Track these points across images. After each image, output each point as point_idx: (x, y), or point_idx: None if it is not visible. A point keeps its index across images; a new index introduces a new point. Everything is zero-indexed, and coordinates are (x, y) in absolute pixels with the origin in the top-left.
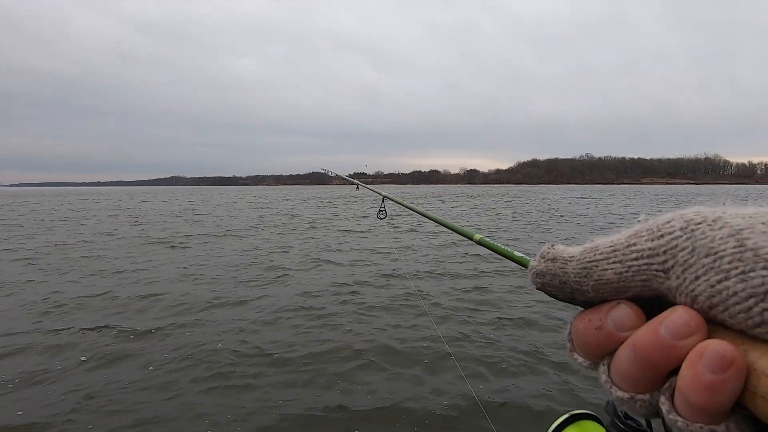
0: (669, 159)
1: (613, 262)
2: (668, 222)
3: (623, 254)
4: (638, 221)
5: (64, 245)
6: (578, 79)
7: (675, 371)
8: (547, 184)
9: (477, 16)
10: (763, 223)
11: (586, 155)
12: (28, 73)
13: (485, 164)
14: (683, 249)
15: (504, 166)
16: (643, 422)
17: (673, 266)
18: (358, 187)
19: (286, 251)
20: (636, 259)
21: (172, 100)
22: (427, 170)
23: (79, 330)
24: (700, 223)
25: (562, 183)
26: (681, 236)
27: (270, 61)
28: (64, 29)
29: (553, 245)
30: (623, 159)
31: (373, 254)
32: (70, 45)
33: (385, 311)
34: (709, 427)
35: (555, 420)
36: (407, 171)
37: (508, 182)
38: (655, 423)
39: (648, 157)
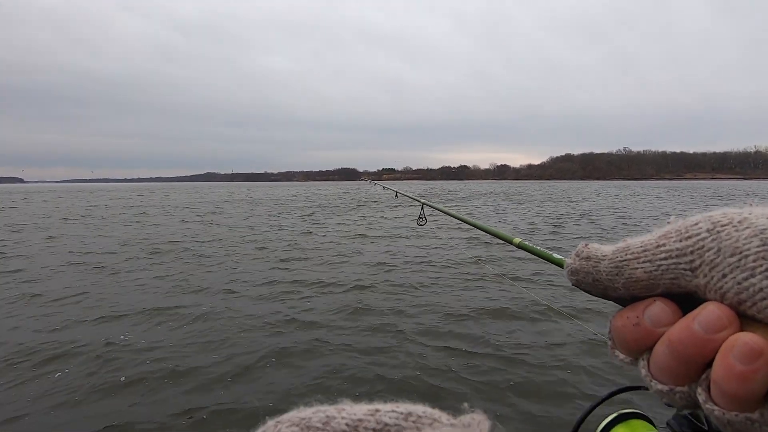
0: (714, 153)
1: (644, 262)
2: (696, 224)
3: (653, 254)
4: (668, 222)
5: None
6: (616, 70)
7: (710, 364)
8: (582, 179)
9: (508, 6)
10: None
11: (624, 149)
12: (75, 73)
13: (516, 159)
14: (710, 249)
15: (536, 161)
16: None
17: (700, 265)
18: (396, 195)
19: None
20: (665, 258)
21: (207, 96)
22: (456, 166)
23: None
24: (725, 225)
25: (597, 179)
26: (707, 237)
27: (300, 56)
28: (107, 30)
29: (587, 244)
30: (664, 153)
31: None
32: (114, 45)
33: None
34: (744, 415)
35: (603, 419)
36: (436, 166)
37: (540, 178)
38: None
39: (691, 151)
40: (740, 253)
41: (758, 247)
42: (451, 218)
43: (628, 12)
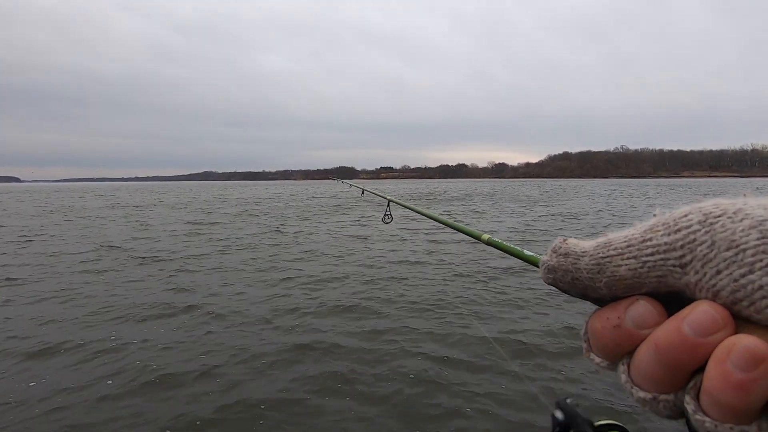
0: (711, 151)
1: (628, 258)
2: (685, 216)
3: (638, 249)
4: (654, 215)
5: None
6: (614, 69)
7: (700, 369)
8: (580, 177)
9: (507, 6)
10: None
11: (621, 147)
12: (75, 73)
13: (514, 158)
14: (702, 243)
15: (534, 160)
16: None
17: (691, 261)
18: (363, 193)
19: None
20: (651, 254)
21: (205, 95)
22: (454, 164)
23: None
24: (719, 216)
25: (595, 177)
26: (699, 230)
27: (299, 56)
28: (106, 30)
29: (565, 240)
30: (661, 151)
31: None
32: (112, 45)
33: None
34: (739, 428)
35: None
36: (434, 165)
37: (539, 176)
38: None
39: (688, 149)
40: (737, 246)
41: (757, 240)
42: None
43: (627, 12)
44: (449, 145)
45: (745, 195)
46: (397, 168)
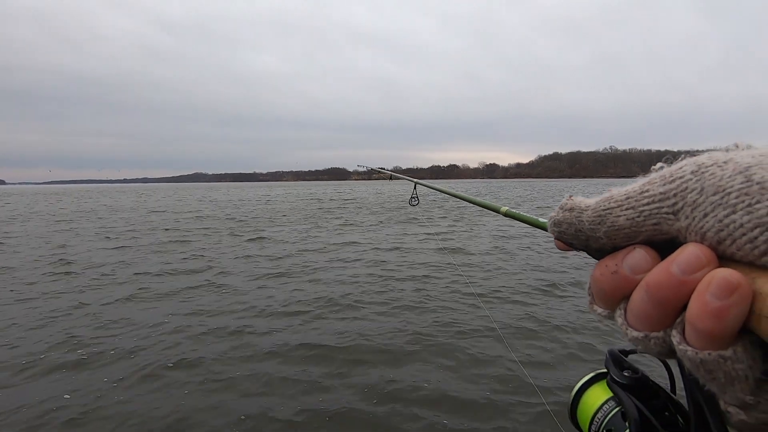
0: (698, 150)
1: (626, 209)
2: (680, 167)
3: (636, 201)
4: (653, 169)
5: None
6: (602, 69)
7: (687, 306)
8: (569, 178)
9: (495, 6)
10: None
11: (610, 148)
12: (61, 73)
13: (505, 158)
14: (693, 190)
15: (524, 160)
16: (640, 371)
17: (682, 207)
18: (391, 178)
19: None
20: (648, 204)
21: (195, 96)
22: (445, 165)
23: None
24: (710, 165)
25: (584, 177)
26: (691, 179)
27: (290, 56)
28: (93, 29)
29: (571, 196)
30: (649, 151)
31: None
32: (99, 44)
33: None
34: (717, 353)
35: (581, 378)
36: (425, 166)
37: (529, 176)
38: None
39: (676, 149)
40: (723, 190)
41: (741, 183)
42: (443, 201)
43: (615, 12)
44: (441, 146)
45: (737, 147)
46: (389, 169)
